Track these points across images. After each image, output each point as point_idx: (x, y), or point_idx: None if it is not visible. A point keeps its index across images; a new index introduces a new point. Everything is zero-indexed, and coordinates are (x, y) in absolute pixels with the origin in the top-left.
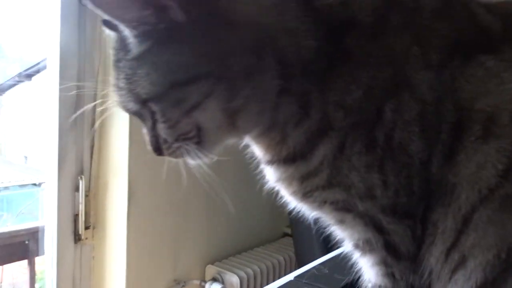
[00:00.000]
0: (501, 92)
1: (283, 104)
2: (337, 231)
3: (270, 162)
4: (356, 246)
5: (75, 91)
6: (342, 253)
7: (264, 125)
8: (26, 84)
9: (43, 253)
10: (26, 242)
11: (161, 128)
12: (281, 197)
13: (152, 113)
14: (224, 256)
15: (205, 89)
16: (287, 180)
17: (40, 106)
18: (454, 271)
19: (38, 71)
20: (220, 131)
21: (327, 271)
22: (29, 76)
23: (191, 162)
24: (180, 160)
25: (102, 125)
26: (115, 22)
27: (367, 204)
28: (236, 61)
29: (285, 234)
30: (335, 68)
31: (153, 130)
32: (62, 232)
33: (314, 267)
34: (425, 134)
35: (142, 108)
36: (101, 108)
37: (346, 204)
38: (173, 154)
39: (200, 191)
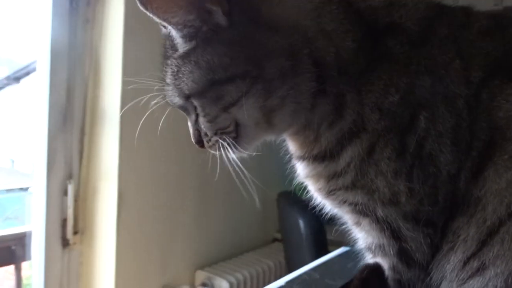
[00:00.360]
0: None
1: (318, 105)
2: (354, 231)
3: (302, 158)
4: (368, 249)
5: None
6: (333, 258)
7: (299, 124)
8: (14, 86)
9: (30, 258)
10: (13, 247)
11: (202, 121)
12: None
13: (195, 108)
14: (214, 261)
15: (242, 88)
16: (315, 177)
17: (28, 109)
18: (470, 277)
19: (27, 74)
20: (257, 128)
21: (318, 276)
22: (17, 79)
23: (230, 155)
24: (171, 165)
25: (92, 129)
26: (163, 23)
27: (389, 210)
28: (272, 63)
29: (275, 239)
30: (374, 70)
31: (195, 123)
32: (50, 237)
33: (305, 273)
34: (456, 147)
35: (186, 103)
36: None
37: (365, 207)
38: (212, 147)
39: (190, 196)
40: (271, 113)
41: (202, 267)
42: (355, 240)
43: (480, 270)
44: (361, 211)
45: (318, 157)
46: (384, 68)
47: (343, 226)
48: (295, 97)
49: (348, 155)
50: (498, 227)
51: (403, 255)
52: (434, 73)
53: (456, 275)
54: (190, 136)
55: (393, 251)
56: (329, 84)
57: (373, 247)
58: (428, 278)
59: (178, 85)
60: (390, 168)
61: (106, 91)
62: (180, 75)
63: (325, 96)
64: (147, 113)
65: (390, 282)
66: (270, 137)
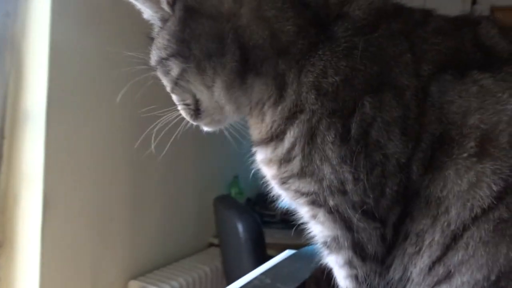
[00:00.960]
0: (499, 112)
1: (254, 85)
2: (311, 227)
3: (256, 143)
4: (324, 243)
5: None
6: (282, 262)
7: (243, 103)
8: None
9: None
10: None
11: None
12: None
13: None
14: (148, 270)
15: (178, 65)
16: (268, 163)
17: None
18: (436, 284)
19: None
20: (210, 104)
21: (269, 281)
22: None
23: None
24: (102, 169)
25: (13, 131)
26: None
27: (338, 199)
28: (199, 45)
29: (211, 244)
30: (316, 52)
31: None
32: None
33: (256, 278)
34: (405, 137)
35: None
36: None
37: (317, 197)
38: (182, 113)
39: (122, 202)
40: (210, 89)
41: (135, 276)
42: (311, 237)
43: (447, 277)
44: (314, 202)
45: (267, 139)
46: (325, 51)
47: (300, 223)
48: (222, 76)
49: (292, 135)
50: (462, 231)
51: (357, 248)
52: (381, 62)
53: (423, 280)
54: (123, 138)
55: (347, 243)
56: (265, 65)
57: (329, 240)
58: (390, 277)
59: (149, 57)
60: (335, 154)
61: (29, 90)
62: (151, 49)
63: (261, 77)
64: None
65: (347, 279)
66: (229, 116)
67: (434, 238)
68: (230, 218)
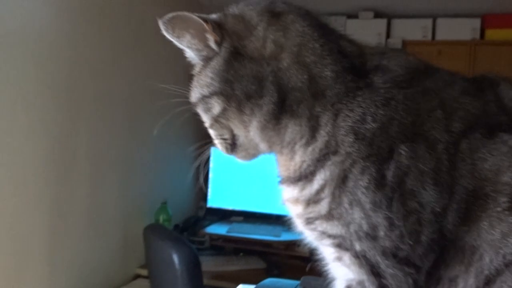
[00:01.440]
0: None
1: (288, 126)
2: (333, 269)
3: (283, 181)
4: (349, 287)
5: None
6: None
7: (276, 142)
8: None
9: None
10: None
11: (207, 127)
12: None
13: None
14: None
15: (220, 104)
16: (294, 201)
17: None
18: None
19: None
20: (246, 140)
21: None
22: None
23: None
24: (17, 197)
25: None
26: (185, 48)
27: (366, 244)
28: (240, 85)
29: (138, 276)
30: (355, 98)
31: None
32: None
33: None
34: (439, 188)
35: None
36: None
37: (343, 240)
38: (218, 147)
39: (39, 232)
40: (246, 128)
41: None
42: (330, 280)
43: None
44: (340, 245)
45: (295, 178)
46: (365, 98)
47: (321, 263)
48: (258, 116)
49: (321, 177)
50: (496, 276)
51: None
52: (416, 115)
53: None
54: (40, 163)
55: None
56: (302, 107)
57: (354, 284)
58: None
59: (190, 95)
60: (368, 199)
61: None
62: (191, 87)
63: (296, 117)
64: None
65: None
66: (262, 151)
67: (468, 283)
68: (164, 248)
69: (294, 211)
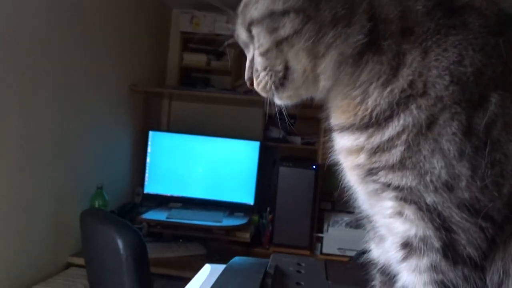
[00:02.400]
0: None
1: (369, 62)
2: (386, 226)
3: (343, 128)
4: (405, 245)
5: None
6: (219, 280)
7: (345, 81)
8: None
9: None
10: None
11: (256, 55)
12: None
13: (253, 41)
14: None
15: (295, 24)
16: (355, 150)
17: None
18: None
19: None
20: (304, 76)
21: None
22: None
23: (274, 99)
24: None
25: None
26: None
27: (440, 196)
28: (328, 6)
29: (70, 265)
30: (448, 37)
31: (252, 60)
32: None
33: None
34: None
35: (247, 36)
36: None
37: (411, 193)
38: (259, 84)
39: None
40: (317, 60)
41: None
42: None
43: None
44: (406, 198)
45: (362, 124)
46: (461, 39)
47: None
48: (341, 47)
49: (400, 123)
50: None
51: (450, 250)
52: (505, 64)
53: None
54: None
55: (439, 244)
56: (389, 41)
57: (416, 240)
58: (484, 284)
59: (245, 14)
60: (454, 147)
61: None
62: (249, 4)
63: (381, 54)
64: None
65: (429, 286)
66: (314, 92)
67: None
68: (107, 233)
69: (353, 162)
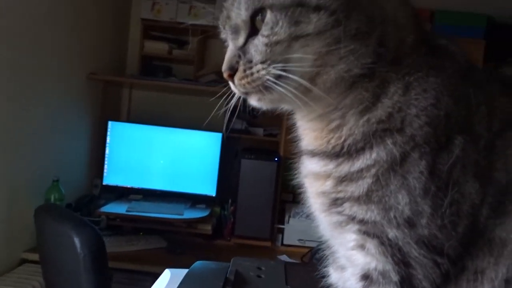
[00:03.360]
0: None
1: (359, 87)
2: (348, 258)
3: (314, 153)
4: (365, 277)
5: None
6: (189, 277)
7: (331, 100)
8: None
9: None
10: None
11: (258, 43)
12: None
13: (253, 28)
14: None
15: (321, 24)
16: (323, 176)
17: None
18: None
19: None
20: (300, 81)
21: None
22: None
23: (251, 98)
24: None
25: None
26: None
27: (401, 232)
28: (357, 18)
29: (24, 261)
30: (427, 76)
31: (243, 46)
32: None
33: None
34: (479, 181)
35: (246, 21)
36: None
37: (374, 227)
38: (246, 78)
39: None
40: (323, 68)
41: None
42: (326, 274)
43: None
44: (369, 232)
45: (334, 153)
46: (438, 82)
47: (332, 253)
48: (350, 64)
49: (373, 157)
50: None
51: (407, 284)
52: (468, 107)
53: None
54: None
55: (396, 278)
56: (382, 70)
57: (376, 273)
58: None
59: None
60: (421, 185)
61: None
62: None
63: (370, 80)
64: None
65: None
66: (295, 106)
67: (498, 274)
68: (63, 231)
69: (318, 188)
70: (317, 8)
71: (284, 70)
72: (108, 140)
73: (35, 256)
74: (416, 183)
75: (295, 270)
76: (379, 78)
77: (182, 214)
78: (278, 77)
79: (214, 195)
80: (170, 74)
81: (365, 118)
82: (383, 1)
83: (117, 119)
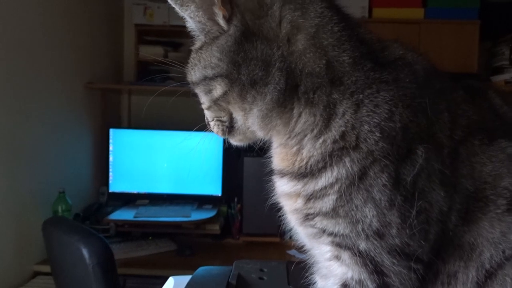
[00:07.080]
0: None
1: (303, 115)
2: (326, 268)
3: (282, 174)
4: (344, 286)
5: None
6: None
7: (281, 131)
8: None
9: None
10: None
11: (204, 108)
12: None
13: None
14: None
15: (223, 87)
16: (294, 195)
17: None
18: None
19: None
20: (244, 125)
21: None
22: None
23: (229, 140)
24: None
25: None
26: (186, 17)
27: (372, 244)
28: (247, 70)
29: (37, 273)
30: (379, 92)
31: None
32: None
33: None
34: (445, 189)
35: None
36: None
37: (345, 239)
38: (213, 129)
39: None
40: (246, 113)
41: None
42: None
43: None
44: (341, 244)
45: (300, 174)
46: (391, 95)
47: (314, 264)
48: (260, 104)
49: (334, 175)
50: (497, 270)
51: None
52: (429, 116)
53: None
54: None
55: (373, 286)
56: (318, 93)
57: (353, 283)
58: None
59: (187, 72)
60: (385, 197)
61: None
62: (190, 64)
63: (312, 106)
64: None
65: None
66: (260, 137)
67: (468, 277)
68: (71, 243)
69: (291, 206)
70: (215, 76)
71: (231, 119)
72: (111, 148)
73: (47, 268)
74: (381, 195)
75: (297, 270)
76: (321, 101)
77: (189, 216)
78: (229, 125)
79: (220, 195)
80: (167, 77)
81: (320, 140)
82: (275, 43)
83: (118, 126)
